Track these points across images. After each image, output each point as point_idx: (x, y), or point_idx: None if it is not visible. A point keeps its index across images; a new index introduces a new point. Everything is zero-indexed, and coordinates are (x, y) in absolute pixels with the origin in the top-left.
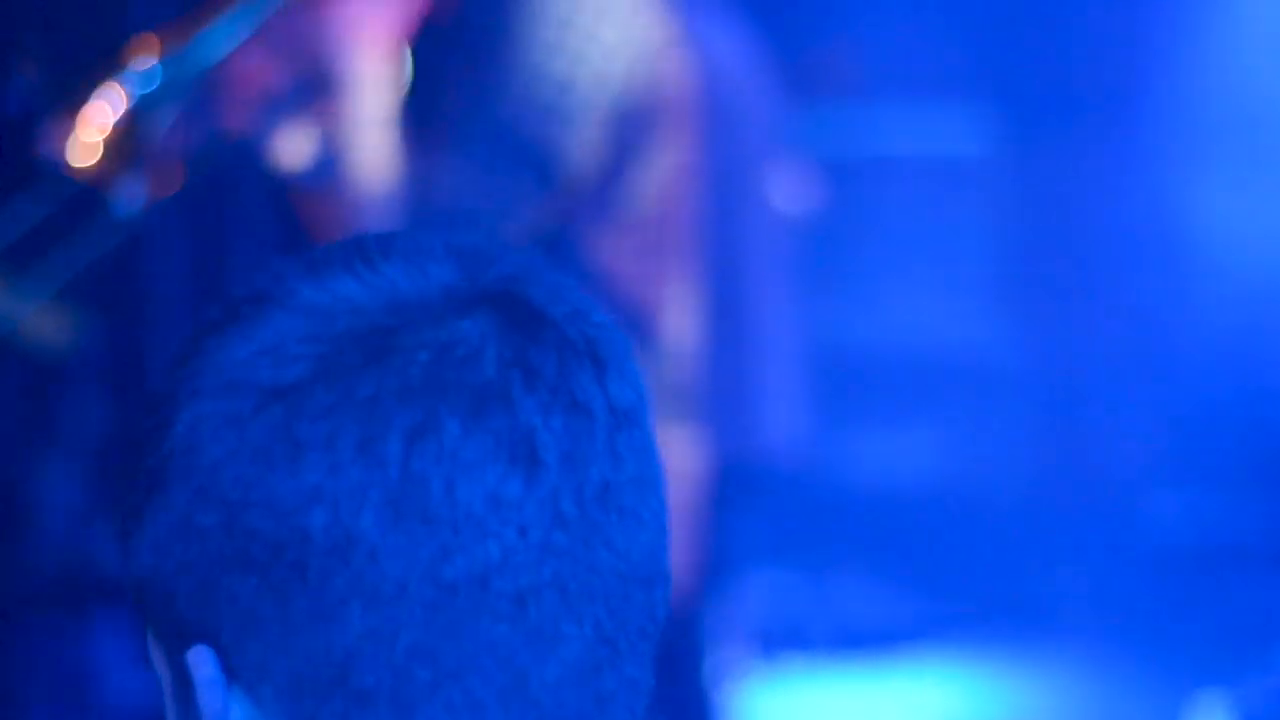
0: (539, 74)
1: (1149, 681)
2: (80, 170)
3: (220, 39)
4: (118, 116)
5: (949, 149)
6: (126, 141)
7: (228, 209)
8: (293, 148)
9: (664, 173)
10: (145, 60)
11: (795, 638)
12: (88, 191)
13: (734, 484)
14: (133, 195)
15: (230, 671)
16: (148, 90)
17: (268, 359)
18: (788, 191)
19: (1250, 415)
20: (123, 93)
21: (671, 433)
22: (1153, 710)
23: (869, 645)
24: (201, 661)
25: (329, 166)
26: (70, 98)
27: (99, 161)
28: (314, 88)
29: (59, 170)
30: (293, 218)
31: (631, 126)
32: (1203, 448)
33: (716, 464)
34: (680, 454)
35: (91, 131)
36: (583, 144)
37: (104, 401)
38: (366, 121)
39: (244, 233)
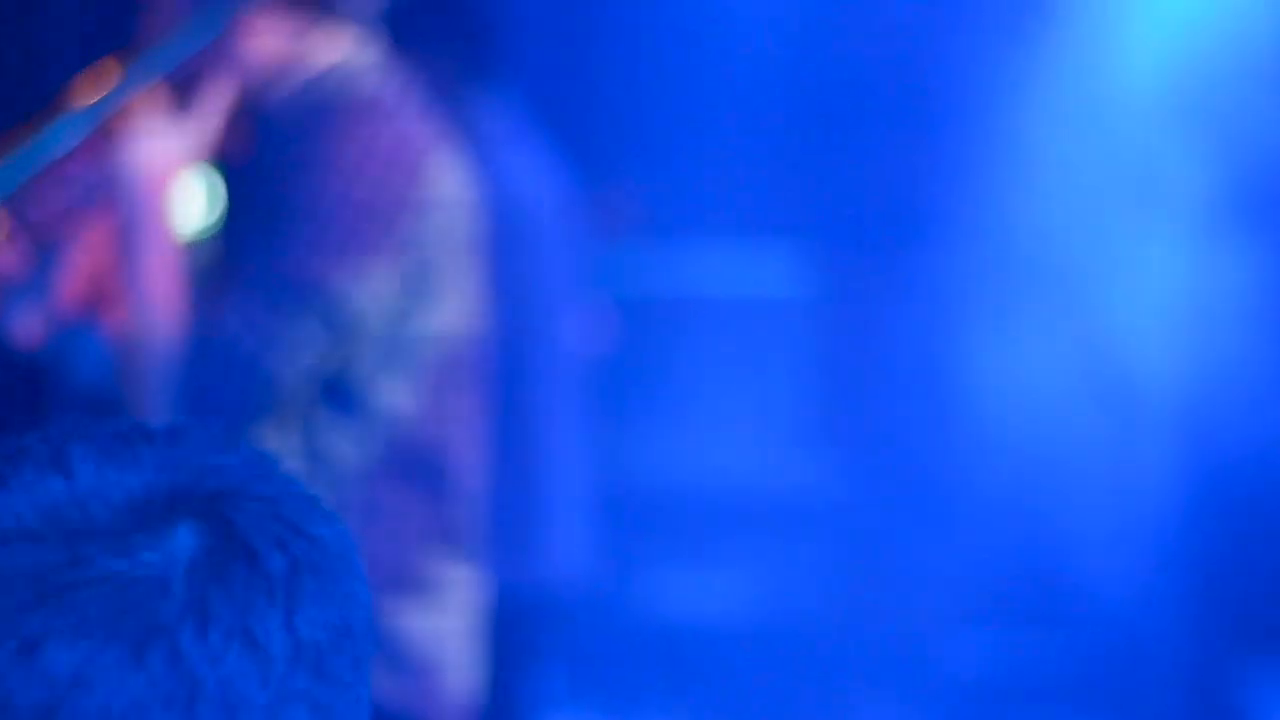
0: (327, 221)
1: None
2: None
3: (12, 173)
4: None
5: (758, 289)
6: None
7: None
8: (29, 329)
9: (454, 314)
10: None
11: None
12: None
13: (528, 623)
14: None
15: None
16: None
17: None
18: (590, 328)
19: (1049, 555)
20: None
21: (455, 573)
22: None
23: None
24: None
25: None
26: None
27: None
28: (52, 266)
29: None
30: None
31: (421, 271)
32: (1004, 587)
33: (509, 602)
34: (462, 594)
35: None
36: (371, 290)
37: None
38: (156, 258)
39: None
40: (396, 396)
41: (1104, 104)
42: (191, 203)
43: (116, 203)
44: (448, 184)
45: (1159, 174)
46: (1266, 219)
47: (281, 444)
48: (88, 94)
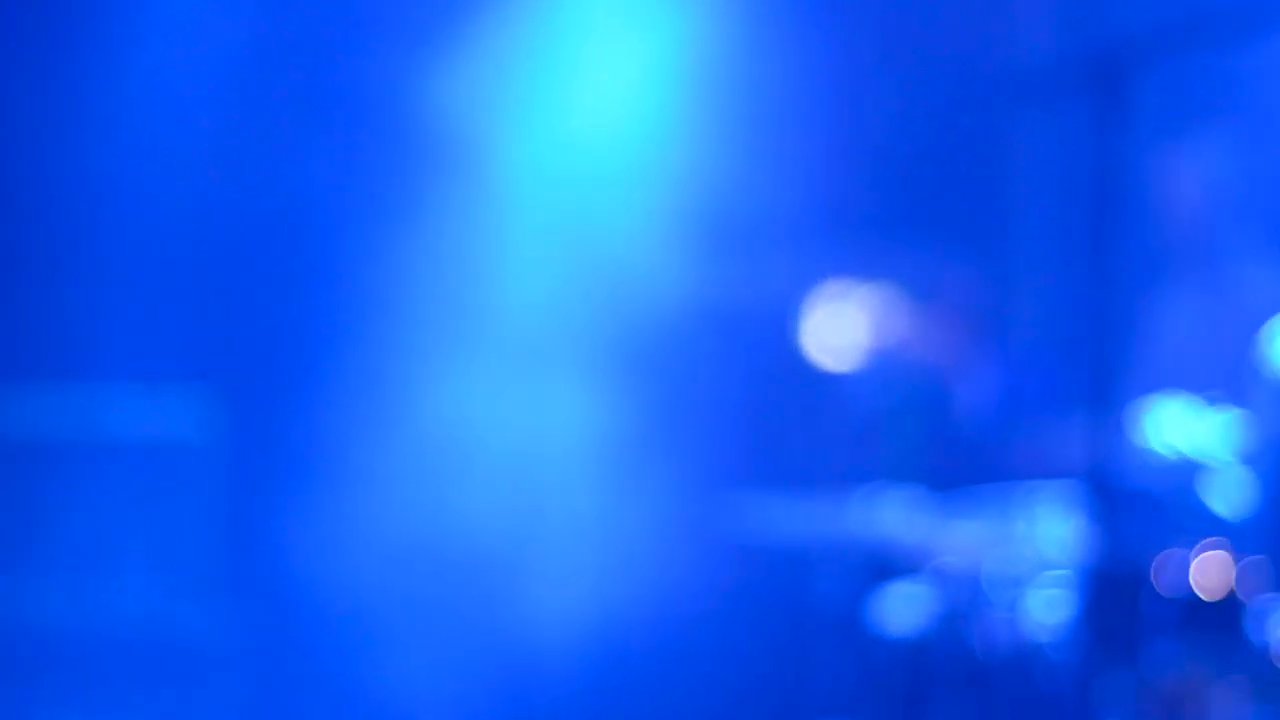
0: None
1: None
2: None
3: None
4: None
5: (158, 433)
6: None
7: None
8: None
9: None
10: None
11: None
12: None
13: None
14: None
15: None
16: None
17: None
18: None
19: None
20: None
21: None
22: None
23: None
24: None
25: None
26: None
27: None
28: None
29: None
30: None
31: None
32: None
33: None
34: None
35: None
36: None
37: None
38: None
39: None
40: None
41: (486, 247)
42: None
43: None
44: None
45: (543, 324)
46: (648, 364)
47: None
48: None
